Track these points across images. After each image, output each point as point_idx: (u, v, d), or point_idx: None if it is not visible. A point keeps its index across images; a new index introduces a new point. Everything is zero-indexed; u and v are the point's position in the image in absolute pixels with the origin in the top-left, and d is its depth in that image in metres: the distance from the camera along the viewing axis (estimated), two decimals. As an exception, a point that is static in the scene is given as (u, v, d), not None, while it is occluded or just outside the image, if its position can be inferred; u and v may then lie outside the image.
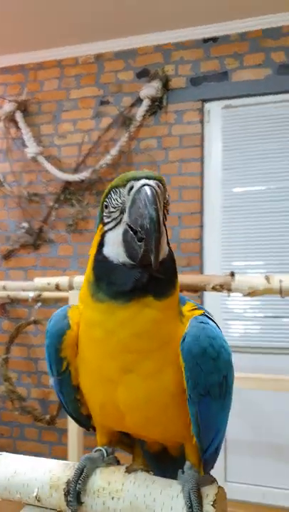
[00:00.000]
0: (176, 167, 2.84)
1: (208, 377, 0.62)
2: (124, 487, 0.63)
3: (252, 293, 1.73)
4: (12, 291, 2.80)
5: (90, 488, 0.66)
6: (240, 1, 2.53)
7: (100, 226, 0.66)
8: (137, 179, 0.62)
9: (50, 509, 0.70)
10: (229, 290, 1.72)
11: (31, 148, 3.03)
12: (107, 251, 0.63)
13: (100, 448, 0.72)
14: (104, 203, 0.65)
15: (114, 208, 0.64)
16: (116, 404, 0.65)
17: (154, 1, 2.56)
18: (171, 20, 2.72)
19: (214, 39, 2.79)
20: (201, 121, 2.82)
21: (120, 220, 0.63)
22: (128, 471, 0.65)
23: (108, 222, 0.64)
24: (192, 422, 0.64)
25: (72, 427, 2.05)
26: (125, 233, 0.62)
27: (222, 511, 0.61)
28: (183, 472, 0.65)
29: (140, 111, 2.86)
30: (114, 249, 0.62)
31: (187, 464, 0.67)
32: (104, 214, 0.65)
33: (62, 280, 2.11)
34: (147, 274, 0.59)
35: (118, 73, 3.00)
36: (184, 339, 0.62)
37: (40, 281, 2.19)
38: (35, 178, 3.12)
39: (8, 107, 3.12)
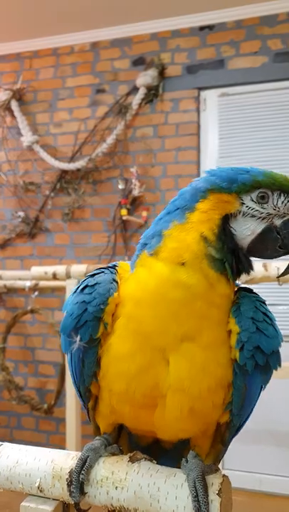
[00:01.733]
0: (173, 155, 2.83)
1: (268, 342, 0.64)
2: (128, 476, 0.63)
3: (249, 281, 1.74)
4: (8, 281, 2.82)
5: (93, 478, 0.66)
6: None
7: (230, 198, 0.64)
8: None
9: (53, 499, 0.69)
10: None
11: (27, 137, 3.01)
12: (236, 231, 0.65)
13: (102, 437, 0.71)
14: (263, 194, 0.64)
15: (274, 208, 0.65)
16: (155, 382, 0.62)
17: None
18: (167, 8, 2.68)
19: (210, 27, 2.75)
20: (197, 110, 2.80)
21: (270, 219, 0.65)
22: (131, 460, 0.65)
23: (252, 209, 0.64)
24: (235, 399, 0.65)
25: (71, 416, 2.08)
26: (268, 232, 0.65)
27: (227, 500, 0.61)
28: (187, 461, 0.64)
29: (136, 99, 2.83)
30: (244, 234, 0.65)
31: (191, 453, 0.66)
32: (255, 201, 0.64)
33: (60, 269, 2.12)
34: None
35: (114, 61, 2.96)
36: (238, 307, 0.65)
37: (37, 270, 2.21)
38: (31, 167, 3.10)
39: (3, 95, 3.08)
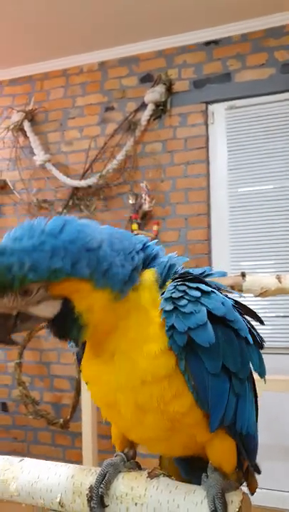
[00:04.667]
0: (182, 169, 2.86)
1: (185, 318, 0.60)
2: (147, 493, 0.63)
3: (263, 293, 1.73)
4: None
5: (112, 494, 0.66)
6: (240, 3, 2.54)
7: None
8: None
9: None
10: (240, 291, 1.72)
11: (39, 156, 3.08)
12: None
13: (120, 453, 0.72)
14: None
15: None
16: (108, 388, 0.64)
17: (155, 8, 2.58)
18: (173, 25, 2.75)
19: (216, 41, 2.80)
20: (206, 123, 2.83)
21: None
22: (150, 476, 0.65)
23: None
24: (194, 393, 0.60)
25: (87, 431, 2.07)
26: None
27: (247, 518, 0.59)
28: (207, 476, 0.63)
29: (145, 115, 2.89)
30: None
31: (210, 467, 0.65)
32: None
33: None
34: None
35: (122, 79, 3.03)
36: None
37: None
38: (44, 185, 3.17)
39: (16, 116, 3.18)
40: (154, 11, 2.61)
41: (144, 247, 0.67)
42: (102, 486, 0.66)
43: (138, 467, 0.71)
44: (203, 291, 0.62)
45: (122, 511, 0.65)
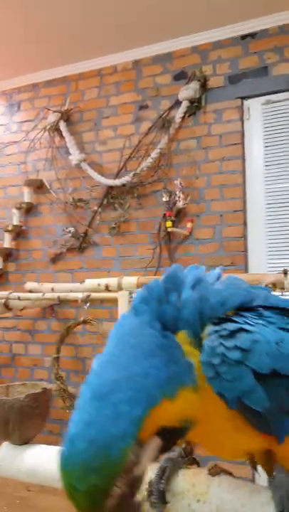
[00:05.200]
0: (217, 166, 2.84)
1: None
2: (210, 490, 0.63)
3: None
4: (61, 293, 2.93)
5: (173, 490, 0.65)
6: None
7: None
8: None
9: None
10: (282, 289, 1.70)
11: (75, 156, 3.13)
12: None
13: (179, 448, 0.71)
14: None
15: None
16: None
17: (188, 3, 2.56)
18: (207, 20, 2.72)
19: (252, 35, 2.75)
20: (241, 119, 2.79)
21: None
22: (211, 473, 0.65)
23: None
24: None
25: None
26: None
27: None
28: (273, 477, 0.62)
29: (179, 113, 2.88)
30: None
31: (277, 466, 0.63)
32: None
33: (112, 281, 2.19)
34: None
35: (156, 77, 3.03)
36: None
37: (90, 282, 2.28)
38: (80, 184, 3.22)
39: (52, 117, 3.24)
40: (187, 7, 2.59)
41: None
42: (162, 481, 0.66)
43: (196, 463, 0.70)
44: (243, 348, 0.55)
45: (183, 508, 0.64)
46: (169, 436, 0.54)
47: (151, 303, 0.58)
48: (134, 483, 0.51)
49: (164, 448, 0.55)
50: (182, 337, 0.58)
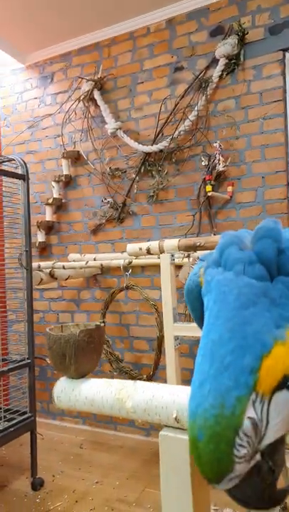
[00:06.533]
0: (257, 126, 2.73)
1: None
2: None
3: None
4: (104, 261, 2.99)
5: None
6: None
7: None
8: None
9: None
10: None
11: (111, 125, 3.11)
12: None
13: None
14: None
15: None
16: None
17: None
18: None
19: (294, -21, 2.56)
20: (283, 74, 2.64)
21: None
22: None
23: None
24: None
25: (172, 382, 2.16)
26: None
27: None
28: None
29: (216, 71, 2.76)
30: None
31: None
32: None
33: (153, 244, 2.21)
34: None
35: (191, 35, 2.91)
36: None
37: (132, 246, 2.31)
38: (116, 153, 3.21)
39: (86, 86, 3.21)
40: None
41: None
42: None
43: None
44: None
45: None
46: None
47: (245, 253, 0.57)
48: (270, 451, 0.49)
49: None
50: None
